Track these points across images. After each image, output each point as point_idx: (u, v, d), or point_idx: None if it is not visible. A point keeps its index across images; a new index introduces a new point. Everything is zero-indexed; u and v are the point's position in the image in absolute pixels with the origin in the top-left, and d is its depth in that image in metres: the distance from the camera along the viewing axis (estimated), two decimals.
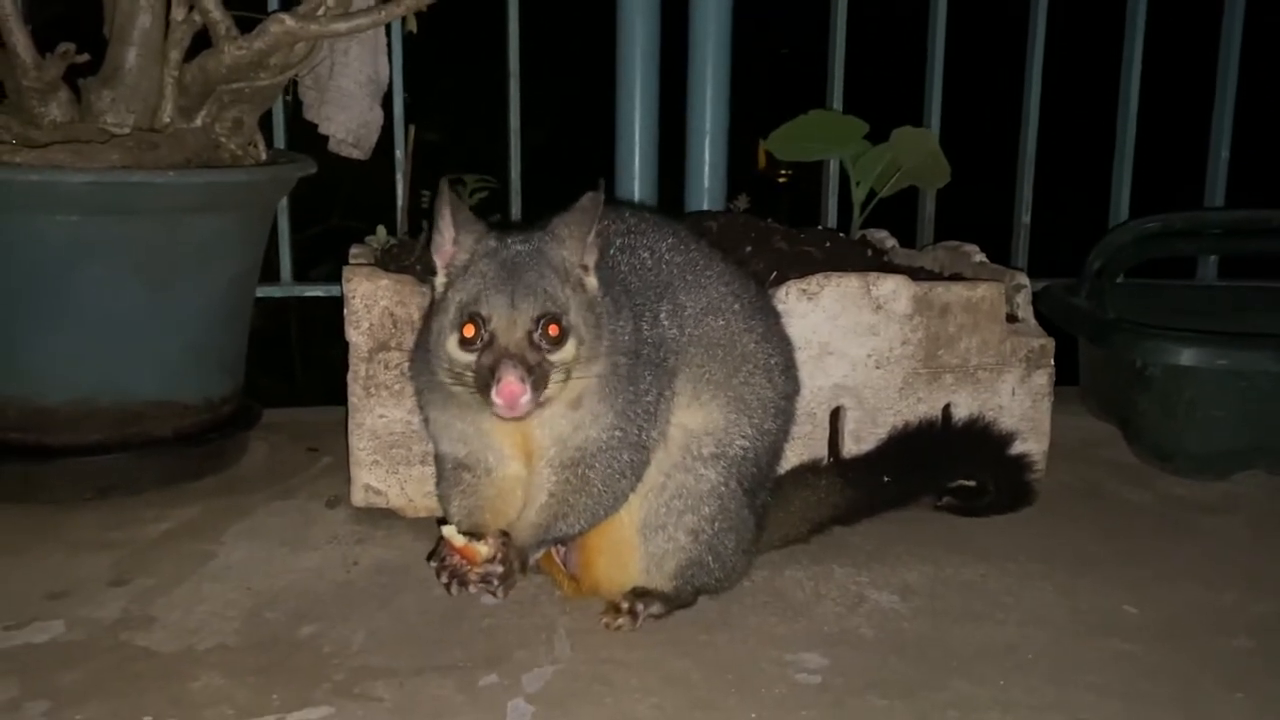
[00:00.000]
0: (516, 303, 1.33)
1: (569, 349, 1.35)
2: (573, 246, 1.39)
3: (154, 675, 1.41)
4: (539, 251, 1.38)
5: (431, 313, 1.45)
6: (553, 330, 1.33)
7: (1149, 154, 2.83)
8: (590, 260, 1.41)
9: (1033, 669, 1.46)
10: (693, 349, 1.50)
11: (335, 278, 1.87)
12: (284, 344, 5.06)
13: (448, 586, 1.41)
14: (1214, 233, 2.59)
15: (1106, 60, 2.83)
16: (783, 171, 6.63)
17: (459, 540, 1.41)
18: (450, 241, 1.42)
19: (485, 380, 1.32)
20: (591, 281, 1.41)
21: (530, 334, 1.33)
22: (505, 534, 1.43)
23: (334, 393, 1.94)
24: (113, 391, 1.95)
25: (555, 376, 1.34)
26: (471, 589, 1.40)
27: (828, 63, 2.73)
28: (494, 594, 1.40)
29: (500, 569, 1.40)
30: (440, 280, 1.44)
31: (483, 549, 1.40)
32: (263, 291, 2.44)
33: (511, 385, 1.29)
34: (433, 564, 1.43)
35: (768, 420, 1.56)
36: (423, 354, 1.48)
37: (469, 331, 1.34)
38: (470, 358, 1.34)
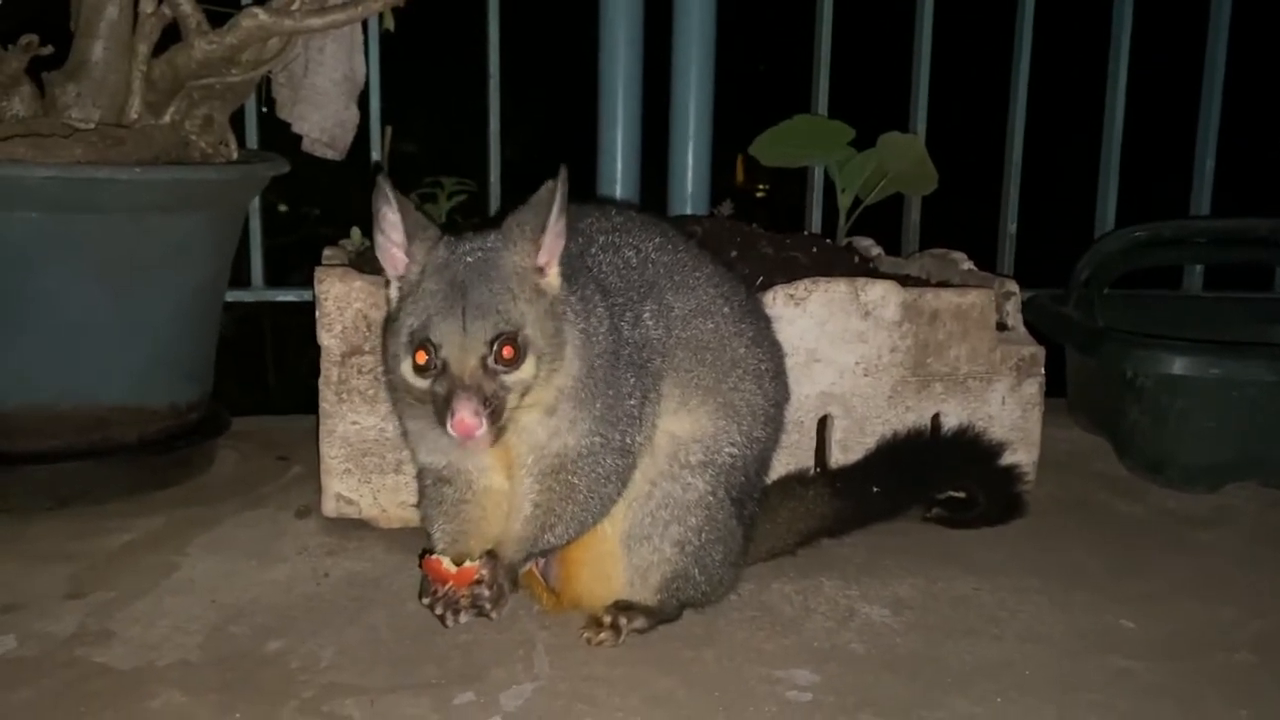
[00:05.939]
0: (468, 326, 1.28)
1: (527, 368, 1.30)
2: (525, 248, 1.33)
3: (110, 693, 1.35)
4: (490, 261, 1.32)
5: (387, 324, 1.39)
6: (507, 352, 1.28)
7: (1135, 163, 2.81)
8: (547, 259, 1.34)
9: (1031, 687, 1.41)
10: (680, 352, 1.45)
11: (310, 284, 1.80)
12: (257, 353, 4.99)
13: (442, 619, 1.37)
14: (1202, 241, 2.57)
15: (1093, 68, 2.81)
16: (760, 186, 6.61)
17: (451, 567, 1.37)
18: (401, 250, 1.36)
19: (441, 410, 1.28)
20: (551, 282, 1.35)
21: (484, 359, 1.28)
22: (491, 553, 1.38)
23: (308, 403, 1.87)
24: (75, 397, 1.88)
25: (512, 399, 1.30)
26: (463, 617, 1.36)
27: (813, 66, 2.69)
28: (488, 615, 1.36)
29: (487, 591, 1.35)
30: (393, 292, 1.38)
31: (471, 570, 1.36)
32: (233, 296, 2.38)
33: (465, 421, 1.26)
34: (425, 601, 1.38)
35: (757, 428, 1.51)
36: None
37: (421, 358, 1.30)
38: (425, 384, 1.31)
